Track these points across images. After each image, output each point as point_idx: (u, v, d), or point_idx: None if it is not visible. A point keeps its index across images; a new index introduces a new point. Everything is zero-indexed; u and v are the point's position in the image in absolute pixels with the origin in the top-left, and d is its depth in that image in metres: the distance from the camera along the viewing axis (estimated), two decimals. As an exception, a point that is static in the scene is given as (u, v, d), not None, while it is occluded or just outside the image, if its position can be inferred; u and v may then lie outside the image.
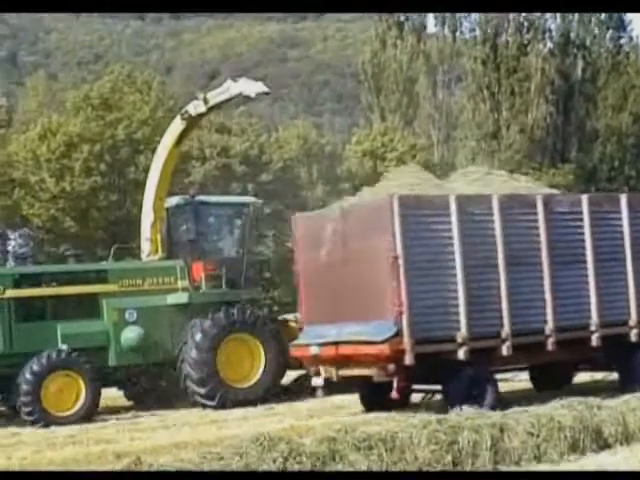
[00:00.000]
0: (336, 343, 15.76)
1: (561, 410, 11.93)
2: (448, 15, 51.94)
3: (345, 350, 15.67)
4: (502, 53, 49.30)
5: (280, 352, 20.27)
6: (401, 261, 14.97)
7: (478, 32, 50.65)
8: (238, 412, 18.33)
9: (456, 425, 11.06)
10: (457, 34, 52.55)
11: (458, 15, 51.91)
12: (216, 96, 21.20)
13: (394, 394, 15.40)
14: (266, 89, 20.81)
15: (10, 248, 38.23)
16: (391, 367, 15.08)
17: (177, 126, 21.67)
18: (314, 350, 16.28)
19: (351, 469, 10.00)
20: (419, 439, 10.63)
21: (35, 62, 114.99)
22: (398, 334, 14.89)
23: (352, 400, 19.27)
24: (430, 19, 73.18)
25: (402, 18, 52.44)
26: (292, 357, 18.26)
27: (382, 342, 14.94)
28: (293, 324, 21.25)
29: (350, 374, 16.18)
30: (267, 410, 18.45)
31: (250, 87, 20.62)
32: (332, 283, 16.18)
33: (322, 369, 16.63)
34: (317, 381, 17.36)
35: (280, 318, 22.06)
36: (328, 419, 15.86)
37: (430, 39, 53.13)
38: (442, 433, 10.76)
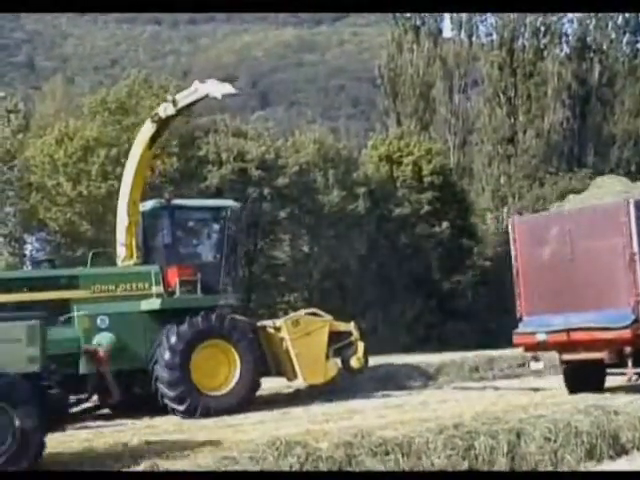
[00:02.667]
0: (567, 330, 17.72)
1: (578, 415, 11.91)
2: (464, 19, 51.90)
3: (578, 336, 17.70)
4: (518, 57, 49.26)
5: (257, 361, 19.98)
6: (637, 257, 17.11)
7: (495, 36, 50.66)
8: (255, 416, 18.32)
9: (473, 430, 11.05)
10: (473, 38, 52.51)
11: (474, 19, 51.88)
12: (184, 98, 20.98)
13: (628, 375, 17.51)
14: (234, 90, 20.55)
15: (27, 252, 38.53)
16: (628, 350, 17.17)
17: (148, 129, 21.34)
18: (541, 337, 18.26)
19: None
20: (435, 444, 10.62)
21: (52, 67, 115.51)
22: (637, 321, 16.96)
23: (368, 404, 19.27)
24: (446, 23, 73.24)
25: (418, 22, 52.40)
26: None
27: (623, 328, 17.00)
28: (271, 330, 20.99)
29: (575, 358, 18.24)
30: (283, 414, 18.44)
31: (217, 88, 20.37)
32: (557, 277, 18.30)
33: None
34: (537, 365, 19.00)
35: (259, 324, 21.73)
36: (344, 423, 15.84)
37: (446, 43, 53.05)
38: (458, 438, 10.75)
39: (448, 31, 54.45)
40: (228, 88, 20.33)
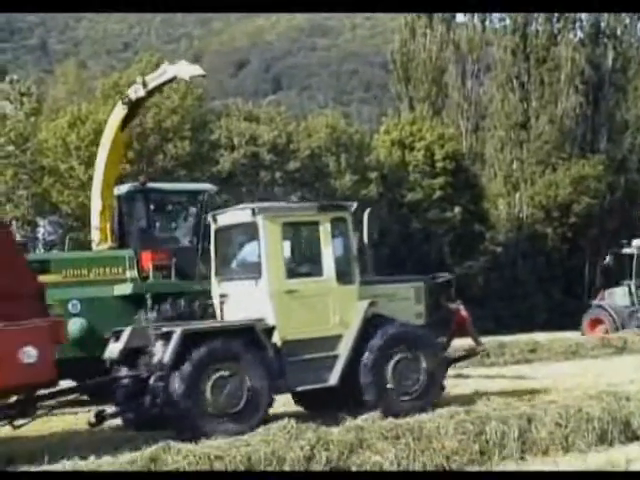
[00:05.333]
0: None
1: (589, 401, 11.90)
2: (478, 4, 51.67)
3: None
4: (532, 43, 49.06)
5: None
6: None
7: (508, 21, 50.50)
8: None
9: (484, 415, 11.06)
10: (487, 23, 52.40)
11: (488, 4, 51.65)
12: (154, 79, 20.89)
13: None
14: (202, 72, 20.50)
15: (40, 235, 38.60)
16: None
17: (119, 111, 21.18)
18: None
19: (378, 458, 10.01)
20: (446, 429, 10.63)
21: (65, 50, 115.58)
22: None
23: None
24: (460, 8, 72.95)
25: (431, 7, 52.19)
26: None
27: None
28: None
29: None
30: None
31: (186, 70, 20.34)
32: None
33: None
34: None
35: None
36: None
37: (459, 28, 52.87)
38: (469, 423, 10.76)
39: (461, 16, 54.29)
40: (197, 69, 20.34)
